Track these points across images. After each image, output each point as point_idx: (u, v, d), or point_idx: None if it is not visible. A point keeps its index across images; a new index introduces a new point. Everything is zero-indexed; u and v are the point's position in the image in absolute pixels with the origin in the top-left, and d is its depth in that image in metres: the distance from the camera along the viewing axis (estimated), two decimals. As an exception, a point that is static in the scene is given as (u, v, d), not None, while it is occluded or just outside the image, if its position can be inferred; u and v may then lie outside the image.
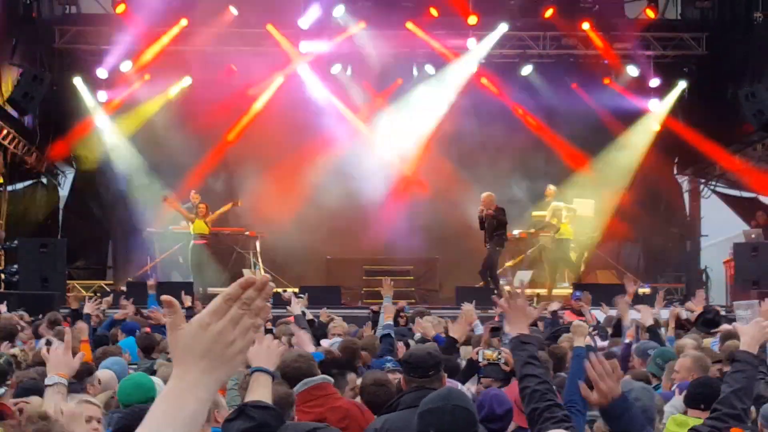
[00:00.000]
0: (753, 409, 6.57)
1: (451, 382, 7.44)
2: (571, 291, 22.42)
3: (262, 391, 5.34)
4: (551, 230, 24.04)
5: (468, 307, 11.81)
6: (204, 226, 23.67)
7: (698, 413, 7.25)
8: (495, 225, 22.51)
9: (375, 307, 14.93)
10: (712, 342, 11.75)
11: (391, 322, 11.56)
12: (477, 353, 8.36)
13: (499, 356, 7.97)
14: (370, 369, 9.04)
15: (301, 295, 16.11)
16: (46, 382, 5.96)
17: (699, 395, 7.44)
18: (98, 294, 20.08)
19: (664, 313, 14.61)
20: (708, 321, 13.49)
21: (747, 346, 6.17)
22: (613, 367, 4.88)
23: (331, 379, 7.31)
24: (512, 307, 5.93)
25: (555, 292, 23.50)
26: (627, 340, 11.19)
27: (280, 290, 19.01)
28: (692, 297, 16.36)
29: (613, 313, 15.87)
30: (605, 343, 12.07)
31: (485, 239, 22.65)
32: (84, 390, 8.55)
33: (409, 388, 6.61)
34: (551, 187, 25.28)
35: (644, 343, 10.44)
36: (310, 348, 9.18)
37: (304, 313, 12.62)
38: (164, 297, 2.43)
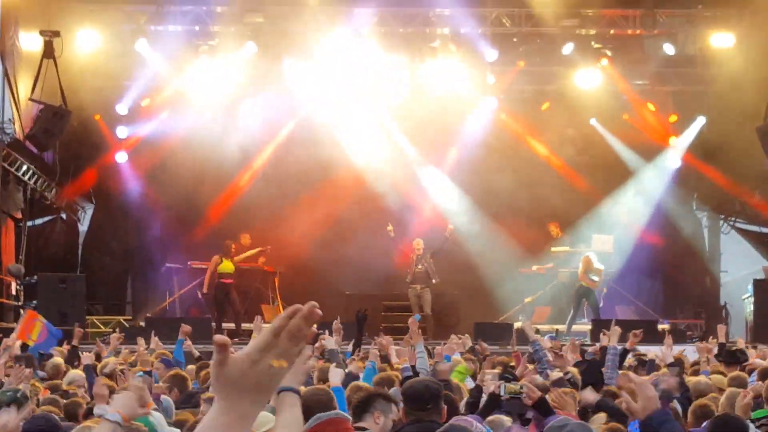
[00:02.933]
0: None
1: (474, 418, 7.35)
2: (590, 327, 22.49)
3: (292, 410, 5.35)
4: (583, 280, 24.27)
5: None
6: (231, 265, 24.01)
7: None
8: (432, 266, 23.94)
9: None
10: (750, 380, 11.73)
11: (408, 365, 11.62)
12: (499, 387, 8.03)
13: (521, 389, 7.67)
14: None
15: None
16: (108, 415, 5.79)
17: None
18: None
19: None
20: (732, 353, 13.62)
21: None
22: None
23: (348, 416, 7.24)
24: None
25: (575, 328, 23.75)
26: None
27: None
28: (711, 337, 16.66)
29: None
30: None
31: (423, 281, 23.92)
32: None
33: (409, 420, 6.59)
34: (553, 225, 26.22)
35: (657, 379, 10.36)
36: (336, 381, 9.15)
37: (337, 350, 12.68)
38: (217, 337, 2.47)
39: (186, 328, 15.93)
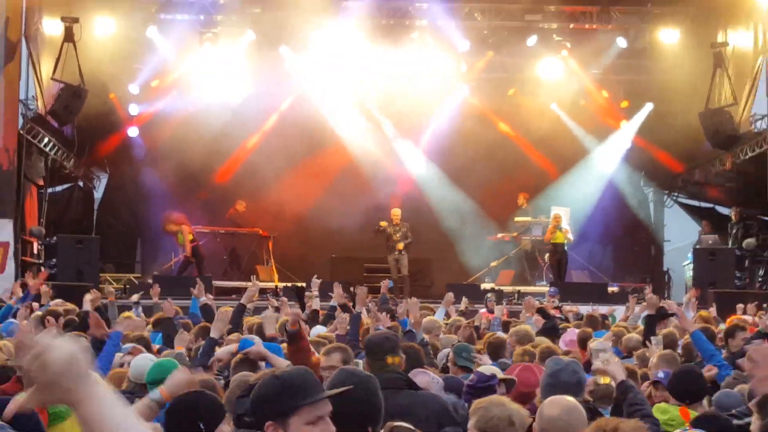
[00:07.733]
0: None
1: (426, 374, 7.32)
2: (548, 289, 22.80)
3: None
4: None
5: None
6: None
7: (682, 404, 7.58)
8: (407, 235, 24.89)
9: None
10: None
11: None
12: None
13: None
14: None
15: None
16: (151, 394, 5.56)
17: (684, 392, 7.66)
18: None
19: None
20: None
21: (622, 378, 6.72)
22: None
23: None
24: None
25: (534, 289, 24.22)
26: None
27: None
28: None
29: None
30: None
31: (400, 248, 24.71)
32: None
33: (372, 370, 6.26)
34: (522, 195, 27.23)
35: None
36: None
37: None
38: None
39: (200, 287, 16.24)
